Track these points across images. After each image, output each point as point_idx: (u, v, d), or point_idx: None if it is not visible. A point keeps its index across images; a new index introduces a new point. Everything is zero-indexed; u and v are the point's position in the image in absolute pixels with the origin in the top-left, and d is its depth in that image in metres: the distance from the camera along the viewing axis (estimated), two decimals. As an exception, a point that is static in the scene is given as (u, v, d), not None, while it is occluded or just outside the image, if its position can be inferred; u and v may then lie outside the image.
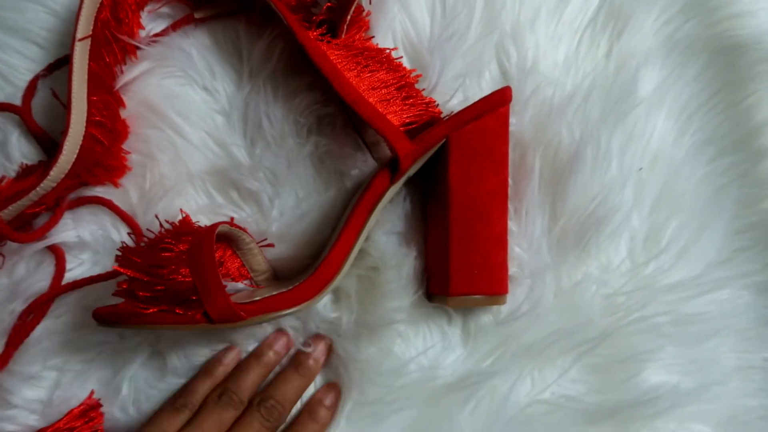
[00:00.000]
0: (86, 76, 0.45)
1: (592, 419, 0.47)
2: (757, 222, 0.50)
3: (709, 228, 0.50)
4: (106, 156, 0.46)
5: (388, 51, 0.47)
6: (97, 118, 0.45)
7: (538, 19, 0.51)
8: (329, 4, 0.46)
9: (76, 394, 0.47)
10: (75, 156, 0.44)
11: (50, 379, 0.47)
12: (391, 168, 0.44)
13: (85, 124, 0.44)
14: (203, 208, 0.48)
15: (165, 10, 0.50)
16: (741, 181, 0.50)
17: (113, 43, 0.47)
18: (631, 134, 0.50)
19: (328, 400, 0.47)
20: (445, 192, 0.45)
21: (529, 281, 0.48)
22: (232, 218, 0.48)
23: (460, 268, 0.45)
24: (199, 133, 0.49)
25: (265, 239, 0.47)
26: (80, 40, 0.44)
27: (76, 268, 0.48)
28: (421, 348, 0.49)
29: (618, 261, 0.49)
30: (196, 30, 0.50)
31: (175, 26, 0.49)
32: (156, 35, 0.49)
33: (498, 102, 0.45)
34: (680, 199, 0.50)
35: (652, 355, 0.48)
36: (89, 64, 0.45)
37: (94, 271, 0.47)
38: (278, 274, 0.49)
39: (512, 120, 0.48)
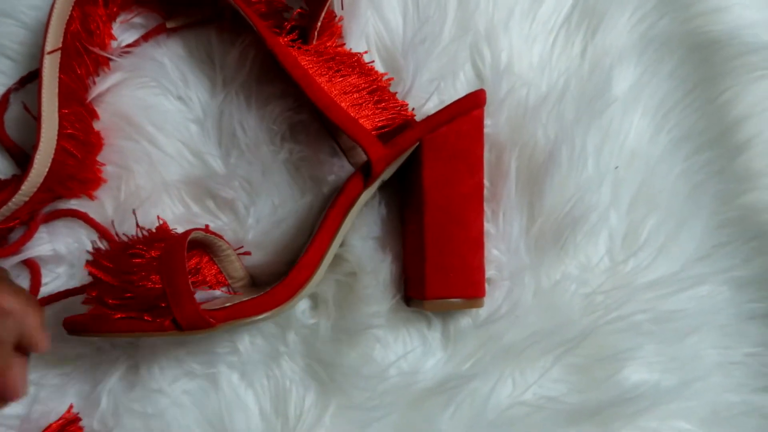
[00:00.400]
0: (57, 89, 0.44)
1: (573, 419, 0.47)
2: (735, 217, 0.50)
3: (688, 224, 0.50)
4: (79, 169, 0.46)
5: (359, 55, 0.47)
6: (69, 131, 0.45)
7: (512, 19, 0.51)
8: (300, 10, 0.46)
9: (54, 409, 0.46)
10: (47, 170, 0.44)
11: (28, 395, 0.47)
12: (365, 172, 0.44)
13: (56, 138, 0.44)
14: (179, 217, 0.48)
15: (137, 20, 0.49)
16: (718, 177, 0.50)
17: (84, 55, 0.47)
18: (606, 133, 0.50)
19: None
20: (420, 195, 0.45)
21: (507, 283, 0.48)
22: (207, 225, 0.48)
23: (437, 272, 0.45)
24: (174, 143, 0.49)
25: (242, 247, 0.47)
26: (49, 53, 0.44)
27: (52, 282, 0.47)
28: (401, 352, 0.48)
29: (597, 259, 0.49)
30: (169, 40, 0.49)
31: (147, 36, 0.49)
32: (128, 46, 0.49)
33: (472, 105, 0.45)
34: (658, 197, 0.50)
35: (633, 354, 0.48)
36: (60, 77, 0.45)
37: (70, 285, 0.47)
38: (256, 281, 0.49)
39: (488, 121, 0.48)
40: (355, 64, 0.46)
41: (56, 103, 0.44)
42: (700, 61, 0.51)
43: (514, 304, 0.48)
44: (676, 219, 0.50)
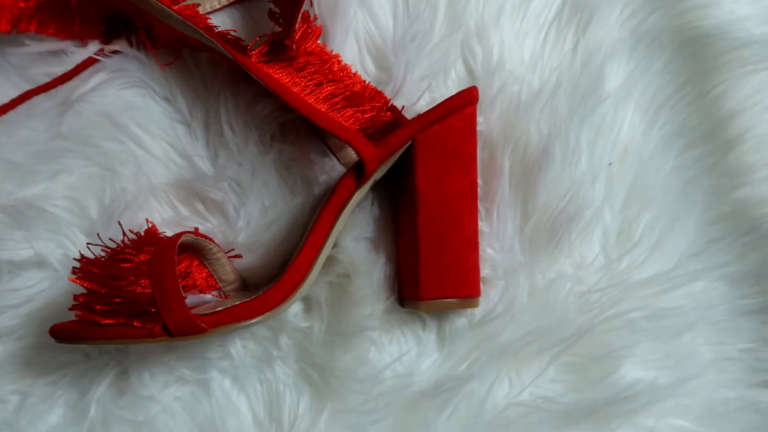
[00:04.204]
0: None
1: (570, 419, 0.47)
2: (728, 213, 0.50)
3: (681, 220, 0.50)
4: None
5: (330, 62, 0.46)
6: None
7: (503, 15, 0.50)
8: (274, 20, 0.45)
9: (43, 416, 0.45)
10: None
11: (14, 403, 0.46)
12: (357, 172, 0.43)
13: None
14: (168, 221, 0.47)
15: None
16: (711, 172, 0.50)
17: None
18: (599, 129, 0.49)
19: None
20: (413, 194, 0.44)
21: (502, 282, 0.48)
22: (196, 228, 0.47)
23: (431, 272, 0.44)
24: (160, 145, 0.48)
25: (233, 249, 0.47)
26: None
27: (34, 286, 0.46)
28: (396, 354, 0.48)
29: (591, 257, 0.49)
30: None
31: (80, 67, 0.47)
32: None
33: (464, 102, 0.44)
34: (651, 193, 0.50)
35: (628, 351, 0.48)
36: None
37: (54, 290, 0.46)
38: (247, 284, 0.48)
39: (480, 119, 0.48)
40: (326, 71, 0.46)
41: None
42: (692, 57, 0.51)
43: (509, 303, 0.48)
44: (670, 215, 0.50)
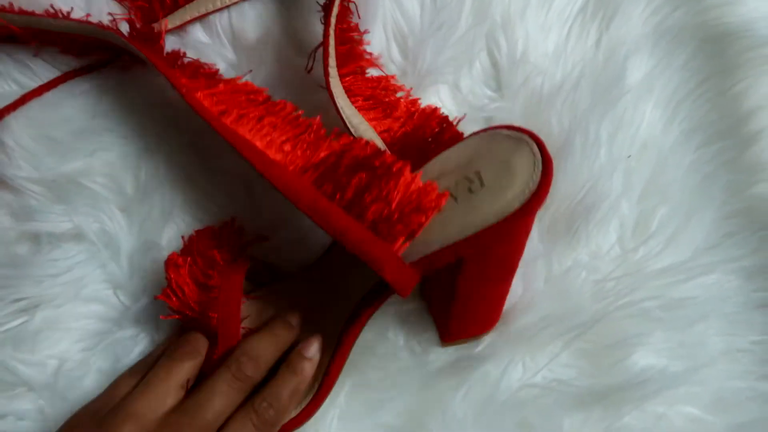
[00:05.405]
0: None
1: (582, 403, 0.48)
2: (744, 208, 0.50)
3: (698, 214, 0.50)
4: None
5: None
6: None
7: (528, 8, 0.51)
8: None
9: (77, 384, 0.47)
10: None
11: (52, 367, 0.47)
12: (381, 291, 0.41)
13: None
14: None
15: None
16: (729, 167, 0.50)
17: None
18: (620, 122, 0.50)
19: (309, 352, 0.43)
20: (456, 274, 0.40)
21: (520, 269, 0.48)
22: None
23: (460, 323, 0.45)
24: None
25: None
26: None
27: (73, 257, 0.48)
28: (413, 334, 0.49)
29: (607, 247, 0.50)
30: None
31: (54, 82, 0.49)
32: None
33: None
34: (669, 186, 0.50)
35: (641, 339, 0.48)
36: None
37: (91, 265, 0.48)
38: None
39: (503, 108, 0.49)
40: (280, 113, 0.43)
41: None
42: (713, 53, 0.51)
43: (525, 289, 0.49)
44: (686, 209, 0.50)
